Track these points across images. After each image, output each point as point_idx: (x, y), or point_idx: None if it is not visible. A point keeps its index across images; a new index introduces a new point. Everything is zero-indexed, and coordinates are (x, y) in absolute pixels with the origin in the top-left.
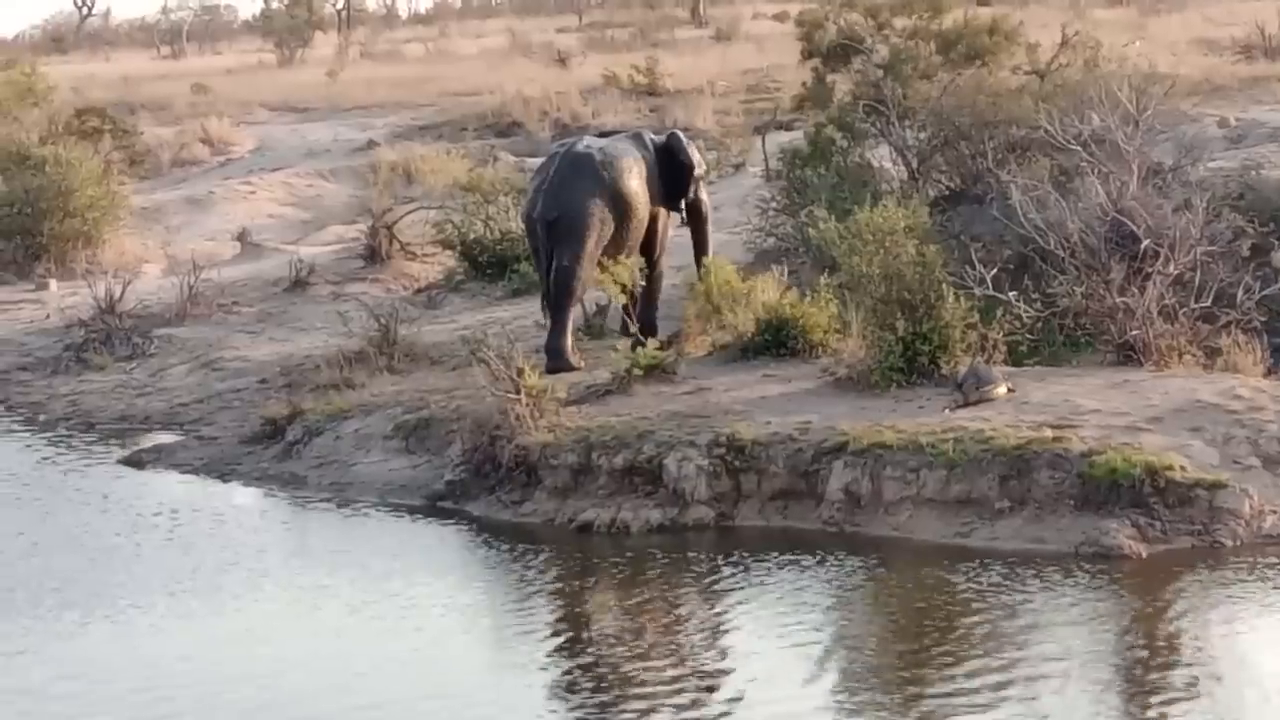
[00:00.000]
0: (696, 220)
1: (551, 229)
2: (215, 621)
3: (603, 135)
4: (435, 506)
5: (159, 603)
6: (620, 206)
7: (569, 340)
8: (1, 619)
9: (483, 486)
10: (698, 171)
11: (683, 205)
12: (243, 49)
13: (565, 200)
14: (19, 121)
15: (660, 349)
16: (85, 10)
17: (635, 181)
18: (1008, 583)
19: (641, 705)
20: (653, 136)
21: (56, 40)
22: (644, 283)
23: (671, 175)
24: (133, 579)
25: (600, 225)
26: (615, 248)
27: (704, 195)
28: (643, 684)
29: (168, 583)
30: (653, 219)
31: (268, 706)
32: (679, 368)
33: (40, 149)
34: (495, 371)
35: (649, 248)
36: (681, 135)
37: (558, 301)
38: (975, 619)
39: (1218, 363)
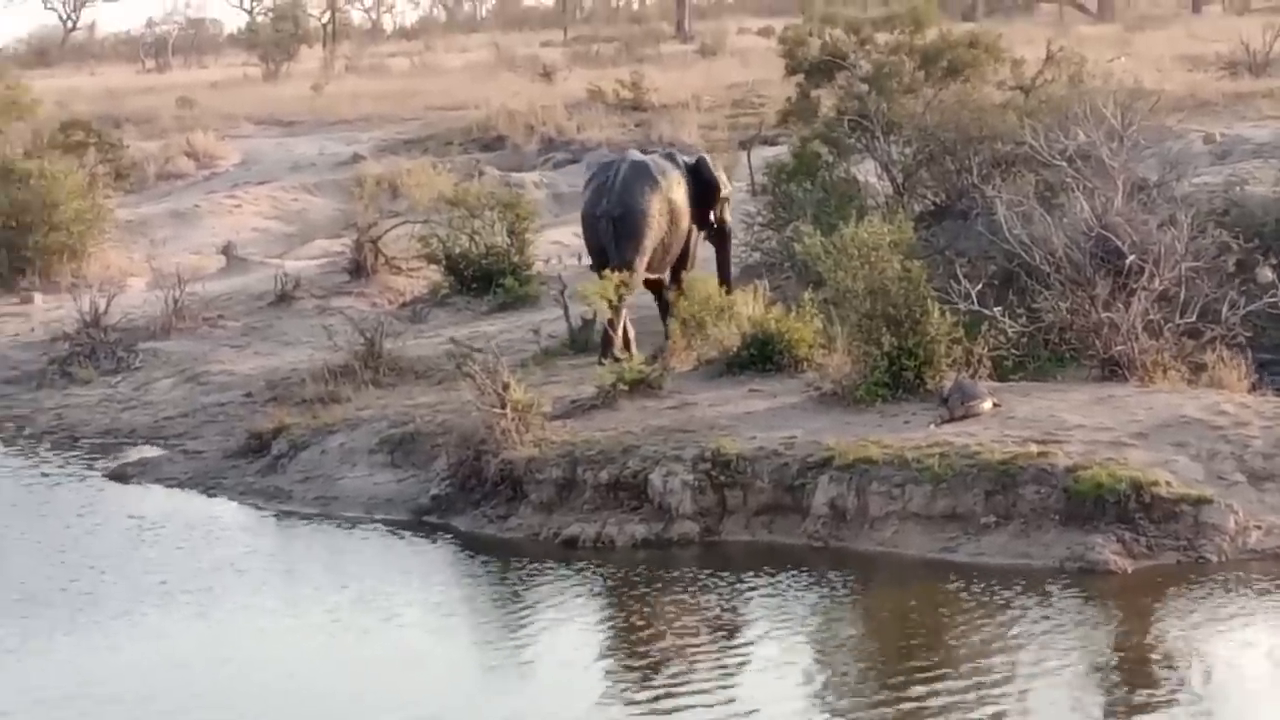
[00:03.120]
0: (722, 241)
1: (616, 225)
2: (196, 635)
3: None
4: (420, 521)
5: (145, 614)
6: (671, 212)
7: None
8: None
9: (468, 501)
10: (724, 193)
11: (712, 224)
12: (228, 62)
13: (629, 199)
14: (4, 135)
15: (646, 364)
16: (70, 24)
17: (681, 193)
18: (994, 598)
19: None
20: (685, 158)
21: (41, 54)
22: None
23: (699, 194)
24: (118, 592)
25: (658, 225)
26: (662, 253)
27: (728, 217)
28: (630, 701)
29: (152, 596)
30: (689, 233)
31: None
32: (664, 382)
33: (25, 162)
34: (481, 386)
35: (683, 262)
36: (708, 158)
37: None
38: (962, 635)
39: (1202, 378)
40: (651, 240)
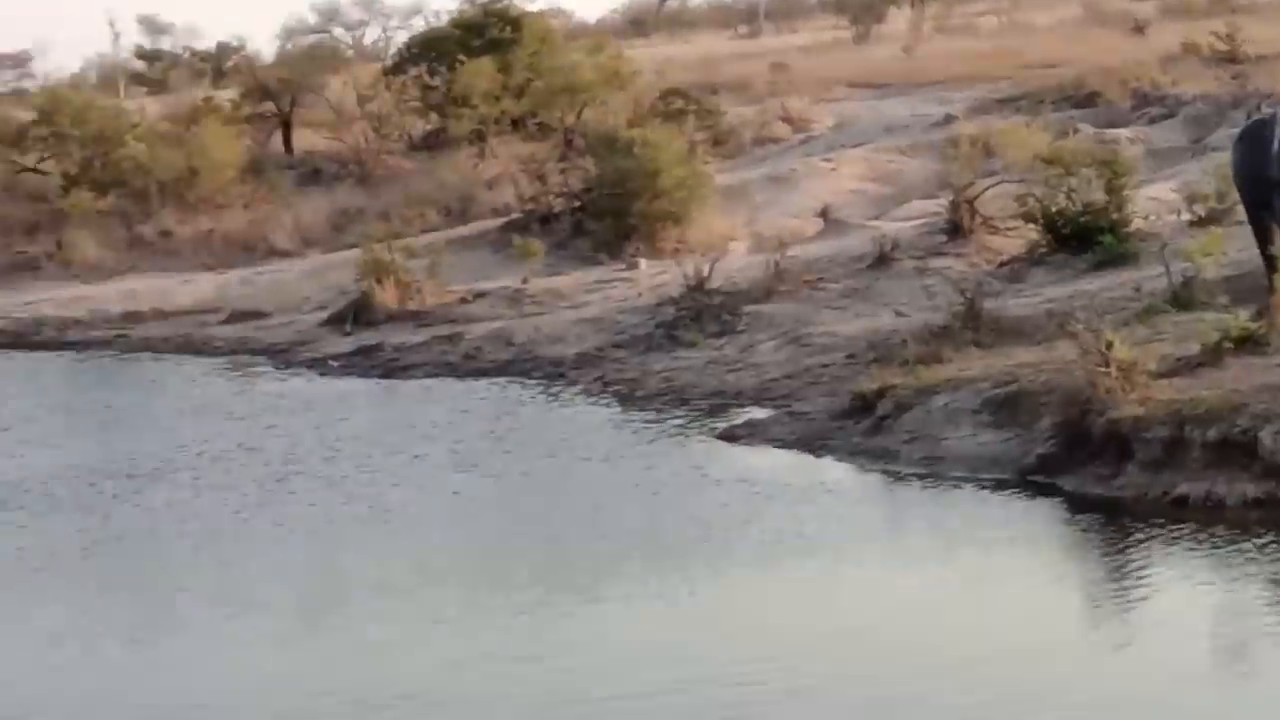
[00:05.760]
0: None
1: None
2: (823, 587)
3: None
4: (1025, 480)
5: (778, 566)
6: None
7: None
8: (621, 584)
9: (1074, 461)
10: None
11: None
12: (818, 26)
13: None
14: (606, 105)
15: (1252, 320)
16: None
17: None
18: None
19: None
20: None
21: (637, 24)
22: None
23: None
24: (745, 545)
25: None
26: None
27: None
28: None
29: (778, 551)
30: None
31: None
32: (1272, 339)
33: (628, 131)
34: (1084, 345)
35: None
36: None
37: None
38: None
39: None
40: None
